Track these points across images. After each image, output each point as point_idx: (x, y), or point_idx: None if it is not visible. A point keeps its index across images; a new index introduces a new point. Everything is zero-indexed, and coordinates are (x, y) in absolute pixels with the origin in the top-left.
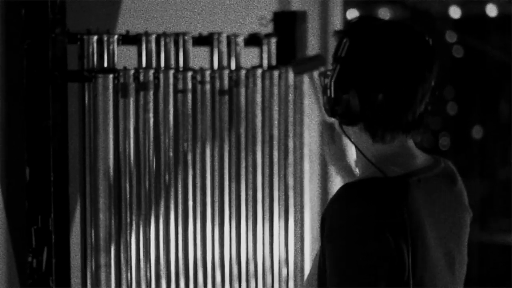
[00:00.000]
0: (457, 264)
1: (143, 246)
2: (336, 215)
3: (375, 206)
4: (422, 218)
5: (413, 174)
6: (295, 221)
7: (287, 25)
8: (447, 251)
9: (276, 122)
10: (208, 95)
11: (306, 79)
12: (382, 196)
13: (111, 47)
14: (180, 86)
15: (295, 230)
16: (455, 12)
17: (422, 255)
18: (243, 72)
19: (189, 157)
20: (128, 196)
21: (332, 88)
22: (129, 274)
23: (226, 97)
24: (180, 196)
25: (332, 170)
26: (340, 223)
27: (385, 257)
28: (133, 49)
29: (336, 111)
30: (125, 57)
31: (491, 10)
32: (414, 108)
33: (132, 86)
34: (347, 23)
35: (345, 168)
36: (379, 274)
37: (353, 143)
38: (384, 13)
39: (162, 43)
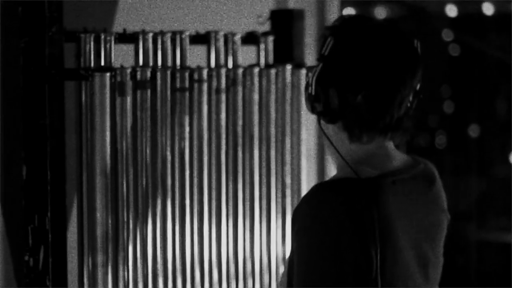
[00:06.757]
0: (430, 265)
1: (140, 245)
2: (305, 214)
3: (344, 206)
4: (394, 219)
5: (388, 175)
6: None
7: (284, 23)
8: (420, 253)
9: (273, 121)
10: (205, 94)
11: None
12: (352, 197)
13: (108, 46)
14: (177, 85)
15: None
16: (451, 10)
17: (392, 256)
18: (240, 71)
19: (186, 156)
20: (125, 194)
21: (313, 85)
22: (126, 273)
23: (223, 96)
24: (177, 194)
25: (329, 168)
26: (309, 222)
27: (351, 257)
28: (130, 48)
29: (316, 108)
30: (122, 55)
31: (488, 9)
32: (391, 111)
33: (129, 84)
34: (334, 21)
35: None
36: (344, 274)
37: (330, 141)
38: (381, 12)
39: (159, 41)
